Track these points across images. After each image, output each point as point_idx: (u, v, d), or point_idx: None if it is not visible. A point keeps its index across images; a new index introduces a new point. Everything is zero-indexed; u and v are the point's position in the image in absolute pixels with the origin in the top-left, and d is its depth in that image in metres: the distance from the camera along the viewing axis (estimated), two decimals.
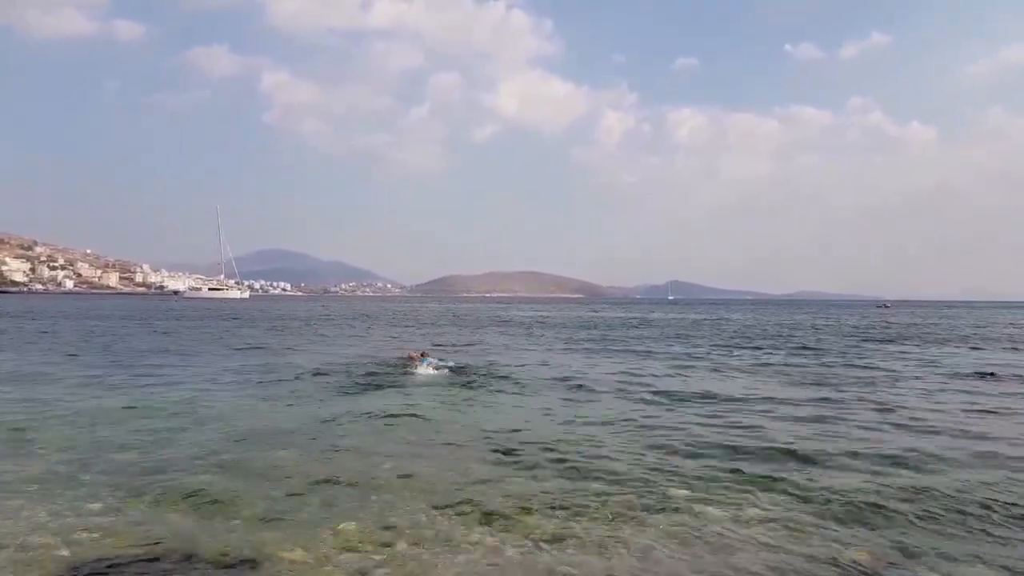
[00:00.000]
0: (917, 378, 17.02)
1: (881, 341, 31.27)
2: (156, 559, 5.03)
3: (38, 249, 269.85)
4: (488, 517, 5.99)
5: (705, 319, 58.83)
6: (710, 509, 6.23)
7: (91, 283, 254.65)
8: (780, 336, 34.61)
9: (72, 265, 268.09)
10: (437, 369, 16.84)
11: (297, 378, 15.46)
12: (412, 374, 16.16)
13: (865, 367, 19.48)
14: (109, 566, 4.90)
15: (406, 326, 42.40)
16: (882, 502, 6.42)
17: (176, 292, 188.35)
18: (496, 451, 8.46)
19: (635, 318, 59.91)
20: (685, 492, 6.72)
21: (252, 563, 4.97)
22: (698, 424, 10.41)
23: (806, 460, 8.16)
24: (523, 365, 18.85)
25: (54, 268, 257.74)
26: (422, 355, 18.29)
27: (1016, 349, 27.44)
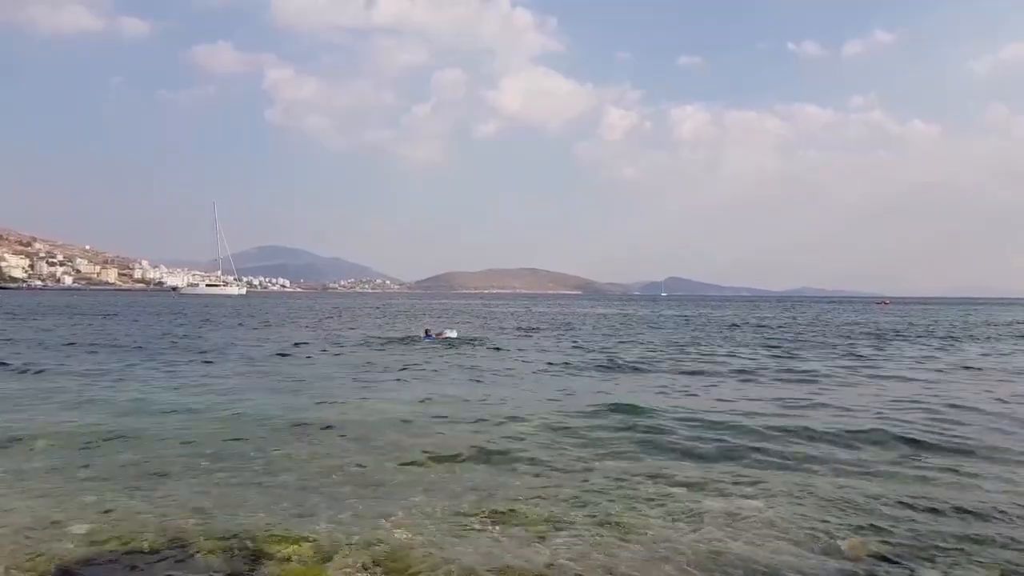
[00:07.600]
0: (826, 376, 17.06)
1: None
2: (156, 553, 5.02)
3: (37, 245, 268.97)
4: (488, 509, 5.99)
5: (639, 314, 58.87)
6: (706, 500, 6.24)
7: (90, 279, 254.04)
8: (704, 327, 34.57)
9: (71, 261, 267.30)
10: (445, 338, 23.12)
11: (302, 366, 15.47)
12: (418, 346, 20.84)
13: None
14: (109, 561, 4.89)
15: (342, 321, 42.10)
16: (882, 494, 6.41)
17: (174, 288, 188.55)
18: (495, 442, 8.45)
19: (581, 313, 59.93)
20: (682, 487, 6.70)
21: (253, 557, 4.96)
22: (689, 420, 10.40)
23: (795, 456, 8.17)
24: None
25: (53, 264, 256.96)
26: (426, 332, 24.89)
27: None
